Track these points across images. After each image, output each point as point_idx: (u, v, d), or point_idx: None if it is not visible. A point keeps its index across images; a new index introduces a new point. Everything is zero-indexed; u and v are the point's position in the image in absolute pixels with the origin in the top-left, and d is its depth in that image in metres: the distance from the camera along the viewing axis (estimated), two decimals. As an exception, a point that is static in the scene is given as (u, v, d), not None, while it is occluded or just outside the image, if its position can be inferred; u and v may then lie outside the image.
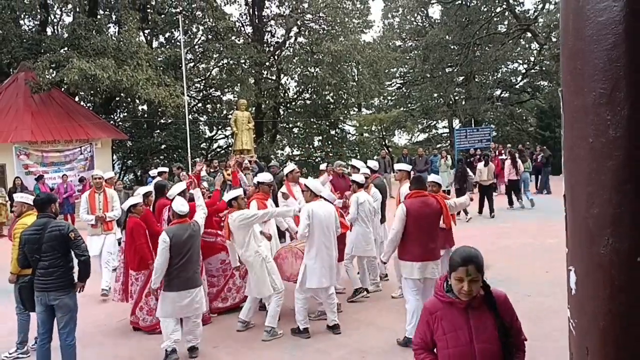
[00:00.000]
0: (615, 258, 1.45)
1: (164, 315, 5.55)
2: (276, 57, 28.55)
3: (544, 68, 30.80)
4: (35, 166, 17.40)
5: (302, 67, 28.06)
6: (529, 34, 29.90)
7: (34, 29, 22.96)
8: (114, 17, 23.48)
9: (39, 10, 21.45)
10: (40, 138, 17.64)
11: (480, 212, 14.35)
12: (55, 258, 5.03)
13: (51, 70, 18.74)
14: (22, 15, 22.44)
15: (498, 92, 34.25)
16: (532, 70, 33.11)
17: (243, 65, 26.51)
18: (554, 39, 27.54)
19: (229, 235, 6.16)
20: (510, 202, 15.32)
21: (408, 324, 5.58)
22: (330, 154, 28.12)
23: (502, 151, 19.10)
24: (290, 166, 8.59)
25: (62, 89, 20.62)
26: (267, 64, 28.04)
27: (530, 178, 18.29)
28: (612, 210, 1.44)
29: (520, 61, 34.62)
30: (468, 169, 14.94)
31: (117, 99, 25.77)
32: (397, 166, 7.95)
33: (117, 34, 21.81)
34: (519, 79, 35.01)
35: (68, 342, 5.15)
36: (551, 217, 13.18)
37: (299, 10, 25.72)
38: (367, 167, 8.65)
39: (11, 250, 5.87)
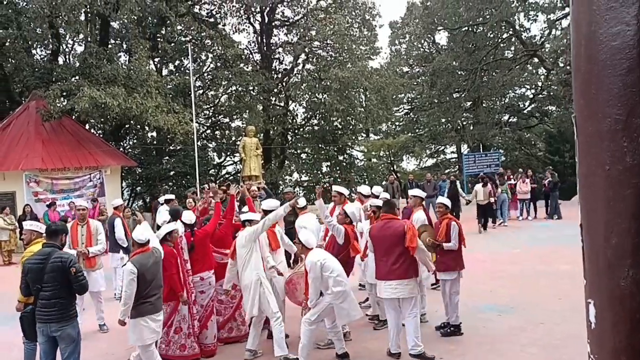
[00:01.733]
0: (635, 290, 1.39)
1: (143, 341, 5.49)
2: (284, 84, 28.80)
3: (551, 93, 30.80)
4: (45, 193, 17.48)
5: (310, 93, 28.27)
6: (536, 59, 30.01)
7: (45, 58, 23.32)
8: (124, 45, 23.86)
9: (50, 40, 21.82)
10: (51, 165, 17.76)
11: (484, 228, 15.65)
12: (56, 289, 4.96)
13: (62, 98, 18.96)
14: (34, 45, 22.83)
15: (506, 117, 34.24)
16: (540, 95, 33.12)
17: (251, 92, 26.74)
18: (561, 64, 27.59)
19: (233, 254, 6.23)
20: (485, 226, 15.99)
21: (389, 339, 6.12)
22: (339, 180, 28.11)
23: (511, 176, 18.98)
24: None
25: (73, 117, 20.84)
26: (275, 90, 28.27)
27: (538, 203, 18.20)
28: (632, 240, 1.38)
29: (528, 86, 34.67)
30: (460, 190, 16.57)
31: (127, 126, 25.99)
32: (411, 192, 7.88)
33: (127, 62, 22.11)
34: (527, 103, 35.02)
35: None
36: (563, 243, 13.01)
37: (307, 38, 26.01)
38: (371, 193, 8.60)
39: (20, 277, 5.84)
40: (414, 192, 7.72)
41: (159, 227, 6.89)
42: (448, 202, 7.24)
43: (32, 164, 17.45)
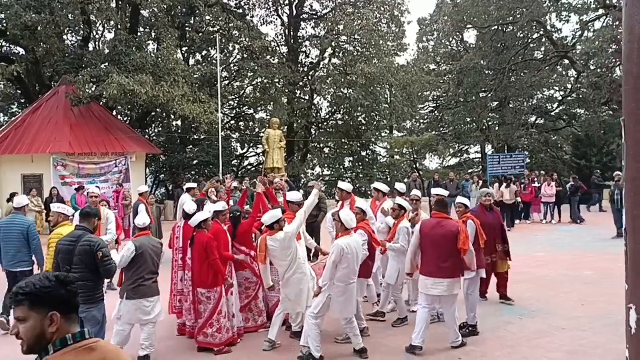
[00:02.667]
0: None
1: (123, 321, 5.76)
2: (310, 77, 28.79)
3: (581, 96, 30.26)
4: (71, 177, 17.78)
5: (335, 87, 28.24)
6: (566, 61, 29.51)
7: (76, 44, 23.63)
8: (153, 34, 24.03)
9: (82, 26, 22.09)
10: (78, 150, 18.05)
11: (512, 225, 16.39)
12: (84, 272, 5.07)
13: (91, 84, 19.22)
14: (66, 31, 23.13)
15: (533, 118, 33.77)
16: (569, 98, 32.60)
17: (277, 84, 26.79)
18: (592, 67, 27.09)
19: (264, 259, 6.03)
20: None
21: (414, 332, 6.10)
22: (361, 175, 28.10)
23: (535, 178, 18.76)
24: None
25: (101, 103, 21.12)
26: (301, 83, 28.29)
27: (562, 207, 17.99)
28: (679, 246, 1.36)
29: (557, 88, 34.13)
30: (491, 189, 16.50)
31: (153, 113, 26.26)
32: (434, 191, 7.83)
33: (155, 50, 22.30)
34: (555, 105, 34.50)
35: None
36: (587, 248, 12.85)
37: (334, 32, 25.94)
38: (394, 189, 8.56)
39: (45, 259, 5.96)
40: (437, 190, 7.66)
41: (187, 215, 6.94)
42: (467, 202, 7.34)
43: (59, 147, 17.75)
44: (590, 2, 27.61)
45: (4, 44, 22.58)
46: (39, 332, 1.96)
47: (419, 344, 6.06)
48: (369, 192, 22.18)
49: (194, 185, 11.64)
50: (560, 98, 34.01)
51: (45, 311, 1.96)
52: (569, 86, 32.61)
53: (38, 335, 1.97)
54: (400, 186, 8.68)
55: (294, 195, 7.42)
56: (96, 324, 5.16)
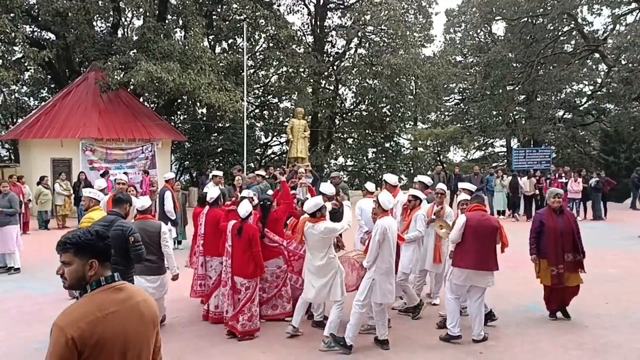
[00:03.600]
0: None
1: None
2: (335, 68, 28.75)
3: (611, 91, 29.67)
4: (99, 162, 18.11)
5: (360, 78, 28.15)
6: (597, 55, 28.94)
7: (105, 31, 23.95)
8: (181, 22, 24.23)
9: (111, 13, 22.38)
10: (106, 136, 18.36)
11: (528, 218, 16.61)
12: (116, 256, 5.18)
13: (120, 71, 19.48)
14: (96, 17, 23.46)
15: (560, 112, 33.26)
16: (599, 92, 31.98)
17: (302, 73, 26.81)
18: (623, 62, 26.53)
19: (301, 240, 6.19)
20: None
21: (449, 323, 6.25)
22: (384, 167, 28.03)
23: (562, 174, 18.52)
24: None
25: (129, 90, 21.39)
26: (326, 73, 28.27)
27: (588, 204, 17.76)
28: None
29: (586, 82, 33.51)
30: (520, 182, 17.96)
31: (179, 101, 26.52)
32: (462, 185, 7.81)
33: (183, 38, 22.47)
34: (584, 100, 33.90)
35: None
36: (612, 246, 12.68)
37: (361, 22, 25.82)
38: (420, 181, 8.53)
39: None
40: (465, 185, 7.65)
41: (208, 202, 7.07)
42: (472, 187, 7.67)
43: (88, 133, 18.08)
44: (624, -5, 27.02)
45: (35, 29, 22.97)
46: (80, 275, 2.41)
47: (459, 333, 6.21)
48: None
49: (220, 173, 11.80)
50: (589, 93, 33.40)
51: (87, 258, 2.41)
52: (599, 81, 31.99)
53: (79, 277, 2.42)
54: (426, 179, 8.67)
55: (327, 188, 7.42)
56: None
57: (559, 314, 7.16)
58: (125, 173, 16.02)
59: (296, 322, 6.40)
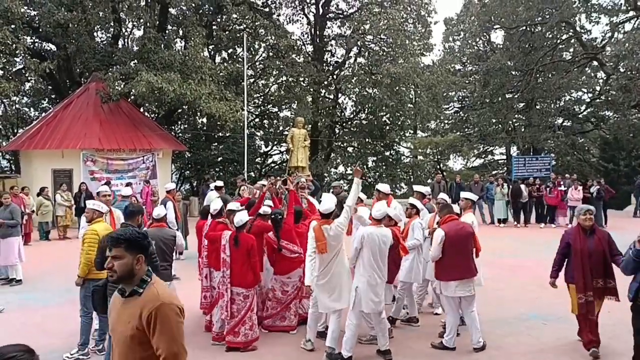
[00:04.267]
0: None
1: None
2: (335, 77, 28.85)
3: (609, 98, 29.73)
4: (100, 172, 18.15)
5: (360, 87, 28.24)
6: (596, 63, 29.05)
7: (106, 42, 24.07)
8: (181, 32, 24.35)
9: (112, 24, 22.51)
10: (107, 146, 18.41)
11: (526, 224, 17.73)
12: None
13: (120, 81, 19.56)
14: (96, 28, 23.59)
15: (560, 120, 33.32)
16: (597, 100, 32.02)
17: (302, 83, 26.91)
18: (622, 69, 26.63)
19: (326, 247, 5.94)
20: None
21: (447, 334, 6.33)
22: (384, 175, 28.07)
23: (561, 182, 18.54)
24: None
25: (129, 100, 21.46)
26: (326, 82, 28.36)
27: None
28: None
29: (585, 90, 33.59)
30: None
31: (179, 111, 26.60)
32: (463, 194, 7.80)
33: (183, 48, 22.57)
34: (583, 108, 33.97)
35: None
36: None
37: (360, 31, 25.93)
38: (418, 192, 8.51)
39: (80, 254, 6.13)
40: (467, 195, 7.66)
41: (212, 215, 7.10)
42: (474, 197, 7.66)
43: (89, 143, 18.13)
44: (621, 3, 27.14)
45: (36, 41, 23.08)
46: (129, 268, 2.73)
47: (453, 346, 6.31)
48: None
49: (220, 183, 11.84)
50: (588, 100, 33.46)
51: (136, 253, 2.75)
52: (598, 88, 32.06)
53: (129, 270, 2.73)
54: (424, 189, 8.68)
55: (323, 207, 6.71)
56: None
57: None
58: (129, 184, 16.06)
59: (312, 336, 6.39)
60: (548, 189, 18.12)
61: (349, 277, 6.15)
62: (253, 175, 25.14)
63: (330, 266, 6.03)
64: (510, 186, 18.42)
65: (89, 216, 6.32)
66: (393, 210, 6.78)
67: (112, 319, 2.87)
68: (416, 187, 8.78)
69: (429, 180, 27.52)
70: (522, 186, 18.26)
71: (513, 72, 30.68)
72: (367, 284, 5.90)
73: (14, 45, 18.05)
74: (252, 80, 28.47)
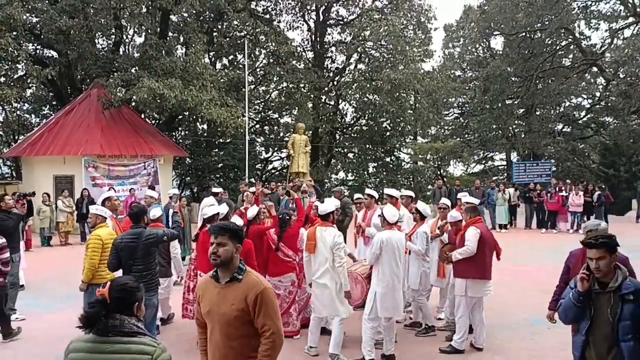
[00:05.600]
0: None
1: None
2: (335, 83, 28.92)
3: (609, 104, 29.82)
4: (102, 179, 18.16)
5: (360, 93, 28.29)
6: (595, 69, 29.14)
7: (107, 49, 24.15)
8: (182, 39, 24.44)
9: (113, 31, 22.59)
10: (109, 152, 18.43)
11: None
12: (149, 262, 5.77)
13: (122, 88, 19.62)
14: (98, 35, 23.67)
15: (560, 126, 33.39)
16: (597, 106, 32.10)
17: (302, 89, 26.97)
18: (621, 75, 26.71)
19: (313, 248, 6.09)
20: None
21: (457, 337, 6.37)
22: (385, 181, 28.07)
23: (562, 187, 18.58)
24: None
25: (131, 106, 21.52)
26: (326, 89, 28.42)
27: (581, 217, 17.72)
28: None
29: (585, 96, 33.68)
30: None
31: (180, 117, 26.66)
32: (465, 198, 7.84)
33: (184, 55, 22.64)
34: (583, 114, 34.04)
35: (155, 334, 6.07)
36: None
37: (361, 38, 26.02)
38: (405, 196, 8.51)
39: (83, 259, 6.14)
40: (469, 199, 7.69)
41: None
42: (476, 201, 7.87)
43: (91, 149, 18.15)
44: (620, 10, 27.26)
45: (38, 47, 23.16)
46: (231, 255, 3.12)
47: (463, 349, 6.39)
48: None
49: (220, 190, 11.88)
50: (588, 106, 33.54)
51: (236, 243, 3.15)
52: (598, 94, 32.14)
53: (230, 257, 3.12)
54: (406, 192, 8.64)
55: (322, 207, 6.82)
56: (154, 309, 5.95)
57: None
58: (132, 190, 16.11)
59: (314, 342, 6.37)
60: (549, 194, 18.15)
61: (337, 294, 6.09)
62: (253, 182, 25.16)
63: (325, 269, 6.06)
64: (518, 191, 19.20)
65: (92, 221, 6.36)
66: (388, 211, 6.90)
67: (207, 302, 3.19)
68: (391, 191, 8.70)
69: (430, 186, 27.57)
70: (511, 190, 19.26)
71: (513, 78, 30.77)
72: (386, 288, 5.92)
73: (15, 52, 18.11)
74: (252, 86, 28.52)
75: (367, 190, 8.69)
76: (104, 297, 2.58)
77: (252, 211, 7.22)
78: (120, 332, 2.52)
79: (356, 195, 9.06)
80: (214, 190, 11.84)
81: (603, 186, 18.96)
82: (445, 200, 8.09)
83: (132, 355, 2.49)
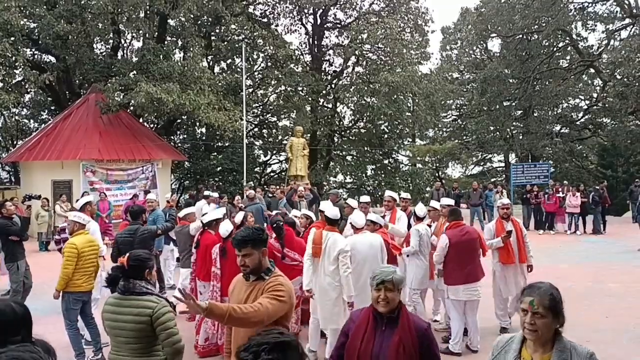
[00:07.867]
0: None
1: None
2: (333, 86, 28.99)
3: (607, 105, 29.83)
4: (100, 183, 18.17)
5: (358, 96, 28.34)
6: (592, 70, 29.21)
7: (105, 53, 24.18)
8: (180, 43, 24.48)
9: (111, 36, 22.62)
10: (107, 157, 18.45)
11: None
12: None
13: (120, 92, 19.64)
14: (96, 40, 23.70)
15: (557, 127, 33.44)
16: (595, 107, 32.16)
17: (300, 92, 27.03)
18: (618, 76, 26.77)
19: (320, 252, 5.93)
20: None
21: (452, 340, 6.46)
22: (383, 184, 28.11)
23: (560, 189, 18.61)
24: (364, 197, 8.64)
25: (129, 111, 21.55)
26: (324, 92, 28.48)
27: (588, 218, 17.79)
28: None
29: (582, 97, 33.76)
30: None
31: (178, 121, 26.69)
32: (443, 201, 7.80)
33: (182, 59, 22.68)
34: (580, 115, 34.10)
35: None
36: (612, 260, 12.73)
37: (358, 41, 26.09)
38: (415, 213, 8.52)
39: (61, 266, 6.02)
40: (446, 201, 7.74)
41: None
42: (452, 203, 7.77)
43: (89, 154, 18.17)
44: (617, 11, 27.35)
45: (36, 52, 23.19)
46: (258, 261, 3.23)
47: (459, 351, 6.43)
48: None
49: (215, 194, 11.93)
50: (585, 107, 33.62)
51: (260, 248, 3.23)
52: (595, 95, 32.20)
53: (258, 263, 3.23)
54: (394, 194, 8.65)
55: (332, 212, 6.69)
56: None
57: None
58: (135, 195, 16.14)
59: (315, 345, 6.33)
60: (546, 195, 18.19)
61: (339, 303, 5.95)
62: (252, 185, 25.18)
63: (327, 273, 5.94)
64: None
65: (70, 228, 6.26)
66: (375, 215, 7.00)
67: (235, 299, 3.35)
68: (387, 192, 8.71)
69: (428, 188, 27.60)
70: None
71: (510, 80, 30.82)
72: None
73: (13, 57, 18.14)
74: (250, 90, 28.59)
75: (388, 192, 8.56)
76: (122, 264, 3.49)
77: (238, 217, 7.30)
78: (134, 292, 3.46)
79: (362, 199, 8.93)
80: (206, 193, 11.89)
81: (597, 187, 18.93)
82: (434, 203, 8.12)
83: (140, 309, 3.41)
